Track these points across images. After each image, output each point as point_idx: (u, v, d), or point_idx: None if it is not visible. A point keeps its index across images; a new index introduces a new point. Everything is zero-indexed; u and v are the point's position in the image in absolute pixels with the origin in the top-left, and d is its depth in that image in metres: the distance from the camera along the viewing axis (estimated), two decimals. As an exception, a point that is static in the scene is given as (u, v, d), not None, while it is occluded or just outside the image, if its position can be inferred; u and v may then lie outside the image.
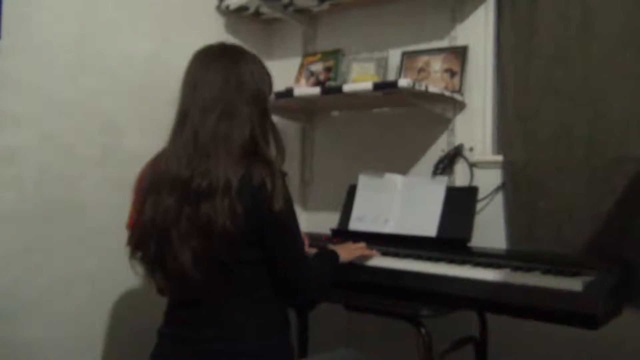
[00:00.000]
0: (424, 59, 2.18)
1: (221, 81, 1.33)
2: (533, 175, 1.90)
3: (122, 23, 2.09)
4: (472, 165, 2.09)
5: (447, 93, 2.03)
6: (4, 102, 1.79)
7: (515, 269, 1.54)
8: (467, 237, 1.90)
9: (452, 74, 2.10)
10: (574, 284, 1.36)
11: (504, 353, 1.95)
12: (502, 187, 2.01)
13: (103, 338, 2.03)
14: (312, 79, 2.41)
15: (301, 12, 2.48)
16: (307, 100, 2.19)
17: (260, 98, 1.38)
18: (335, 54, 2.40)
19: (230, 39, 2.46)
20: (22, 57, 1.83)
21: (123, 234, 1.42)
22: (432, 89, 1.96)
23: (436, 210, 1.97)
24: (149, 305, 1.53)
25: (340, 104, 2.35)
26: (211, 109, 1.31)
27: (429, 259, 1.70)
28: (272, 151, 1.36)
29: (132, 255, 1.36)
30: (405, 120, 2.28)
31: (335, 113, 2.52)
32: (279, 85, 2.22)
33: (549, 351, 1.86)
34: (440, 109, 2.11)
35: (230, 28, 2.51)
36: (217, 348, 1.29)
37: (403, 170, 2.23)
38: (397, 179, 2.12)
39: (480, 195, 2.00)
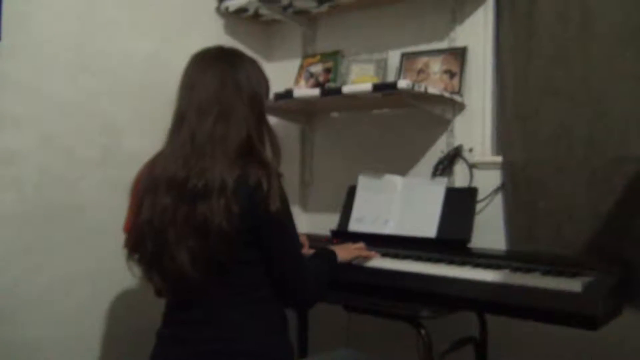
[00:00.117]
0: (423, 60, 2.19)
1: (218, 84, 1.34)
2: (533, 176, 1.90)
3: (122, 23, 2.09)
4: (471, 166, 2.09)
5: (447, 94, 2.03)
6: (3, 103, 1.79)
7: (515, 269, 1.54)
8: (467, 238, 1.90)
9: (452, 75, 2.10)
10: (574, 285, 1.36)
11: (504, 354, 1.95)
12: (502, 187, 2.01)
13: (103, 338, 2.03)
14: (312, 81, 2.41)
15: (300, 13, 2.48)
16: (306, 101, 2.19)
17: (256, 101, 1.39)
18: (334, 56, 2.40)
19: (229, 41, 2.47)
20: (22, 57, 1.83)
21: (122, 235, 1.43)
22: (432, 90, 1.96)
23: (436, 211, 1.97)
24: (148, 305, 1.53)
25: (339, 105, 2.35)
26: (208, 111, 1.32)
27: (429, 259, 1.70)
28: (268, 153, 1.37)
29: (130, 257, 1.36)
30: (405, 121, 2.28)
31: (334, 114, 2.52)
32: (278, 87, 2.23)
33: (549, 352, 1.86)
34: (439, 110, 2.11)
35: (229, 29, 2.51)
36: (216, 348, 1.29)
37: (402, 171, 2.23)
38: (396, 180, 2.12)
39: (480, 196, 2.00)
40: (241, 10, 2.45)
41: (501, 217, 2.01)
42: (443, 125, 2.17)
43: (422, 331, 1.59)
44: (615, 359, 1.75)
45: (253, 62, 1.44)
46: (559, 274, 1.47)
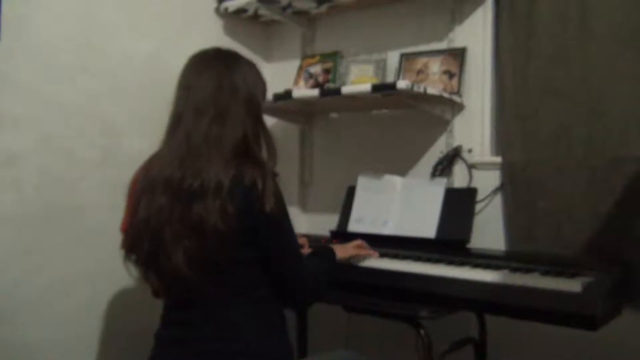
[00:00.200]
0: (422, 60, 2.19)
1: (214, 85, 1.35)
2: (532, 176, 1.90)
3: (122, 24, 2.09)
4: (470, 166, 2.09)
5: (446, 94, 2.03)
6: (3, 104, 1.79)
7: (514, 270, 1.54)
8: (466, 238, 1.90)
9: (451, 75, 2.10)
10: (573, 285, 1.36)
11: (503, 354, 1.95)
12: (501, 188, 2.01)
13: (102, 339, 2.03)
14: (311, 81, 2.41)
15: (300, 14, 2.48)
16: (306, 102, 2.19)
17: (253, 103, 1.39)
18: (333, 56, 2.40)
19: (229, 41, 2.47)
20: (22, 58, 1.83)
21: (122, 236, 1.43)
22: (431, 90, 1.96)
23: (435, 212, 1.98)
24: (148, 306, 1.53)
25: (339, 105, 2.35)
26: (204, 112, 1.32)
27: (428, 260, 1.71)
28: (264, 154, 1.38)
29: (127, 257, 1.37)
30: (404, 122, 2.28)
31: (334, 115, 2.52)
32: (277, 87, 2.23)
33: (548, 352, 1.86)
34: (439, 111, 2.11)
35: (229, 30, 2.51)
36: (216, 348, 1.29)
37: (402, 171, 2.23)
38: (396, 180, 2.12)
39: (479, 196, 2.00)
40: (240, 11, 2.45)
41: (500, 218, 2.01)
42: (442, 125, 2.17)
43: (422, 331, 1.59)
44: (615, 359, 1.75)
45: (250, 64, 1.45)
46: (559, 274, 1.47)
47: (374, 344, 2.25)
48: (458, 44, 2.13)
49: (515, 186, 1.95)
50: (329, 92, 2.06)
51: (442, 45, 2.18)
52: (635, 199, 1.70)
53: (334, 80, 2.35)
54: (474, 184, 2.06)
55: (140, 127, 2.10)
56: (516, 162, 1.95)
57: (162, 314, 1.40)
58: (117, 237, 1.42)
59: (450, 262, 1.65)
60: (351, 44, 2.41)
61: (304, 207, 2.61)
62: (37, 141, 1.86)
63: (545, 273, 1.49)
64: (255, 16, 2.53)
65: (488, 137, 2.09)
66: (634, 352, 1.72)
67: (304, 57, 2.53)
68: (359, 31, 2.42)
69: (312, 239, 1.94)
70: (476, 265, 1.61)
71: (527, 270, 1.52)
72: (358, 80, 2.13)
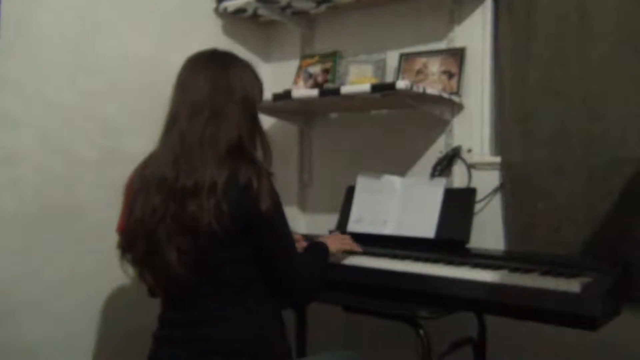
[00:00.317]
0: (422, 60, 2.19)
1: (210, 86, 1.35)
2: (531, 176, 1.91)
3: (121, 24, 2.09)
4: (470, 166, 2.09)
5: (445, 95, 2.03)
6: (2, 103, 1.78)
7: (514, 270, 1.54)
8: (466, 238, 1.90)
9: (450, 75, 2.10)
10: (572, 285, 1.36)
11: (503, 354, 1.95)
12: (500, 188, 2.01)
13: (101, 338, 2.03)
14: (310, 81, 2.41)
15: (299, 14, 2.48)
16: (305, 102, 2.19)
17: (248, 103, 1.39)
18: (333, 56, 2.40)
19: (228, 41, 2.47)
20: (21, 58, 1.83)
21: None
22: (430, 90, 1.96)
23: (434, 212, 1.97)
24: (147, 306, 1.53)
25: (338, 105, 2.35)
26: (199, 112, 1.33)
27: (428, 260, 1.70)
28: (259, 154, 1.38)
29: (123, 257, 1.37)
30: (404, 122, 2.28)
31: (333, 115, 2.52)
32: (277, 87, 2.23)
33: (547, 352, 1.86)
34: (438, 111, 2.11)
35: (228, 30, 2.51)
36: (214, 347, 1.29)
37: (401, 171, 2.23)
38: (395, 180, 2.12)
39: (479, 196, 2.00)
40: (240, 11, 2.45)
41: (500, 218, 2.01)
42: (441, 125, 2.17)
43: (421, 332, 1.59)
44: (614, 359, 1.75)
45: (246, 65, 1.45)
46: (558, 274, 1.47)
47: (373, 344, 2.24)
48: (457, 44, 2.13)
49: (514, 186, 1.95)
50: (328, 92, 2.06)
51: (442, 45, 2.18)
52: (634, 200, 1.70)
53: (333, 80, 2.35)
54: (473, 184, 2.06)
55: (139, 127, 2.10)
56: (515, 162, 1.95)
57: (159, 314, 1.40)
58: (116, 237, 1.43)
59: (449, 262, 1.65)
60: (350, 44, 2.41)
61: (303, 207, 2.61)
62: (36, 141, 1.86)
63: (544, 273, 1.49)
64: (255, 16, 2.52)
65: (487, 137, 2.09)
66: (633, 352, 1.72)
67: (303, 57, 2.53)
68: (358, 31, 2.42)
69: (311, 239, 1.93)
70: (475, 266, 1.61)
71: (527, 271, 1.52)
72: (357, 81, 2.13)
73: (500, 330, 1.91)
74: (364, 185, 2.18)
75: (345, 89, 2.00)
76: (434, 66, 2.15)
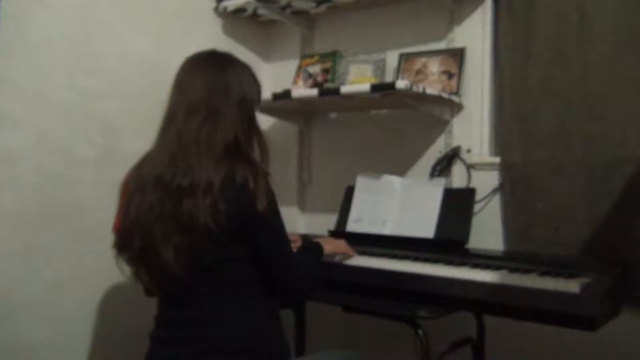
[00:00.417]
0: (421, 60, 2.19)
1: (207, 86, 1.36)
2: (531, 176, 1.90)
3: (120, 24, 2.09)
4: (469, 166, 2.09)
5: (445, 95, 2.03)
6: (1, 103, 1.78)
7: (513, 270, 1.54)
8: (465, 238, 1.90)
9: (450, 75, 2.10)
10: (572, 286, 1.36)
11: (502, 354, 1.95)
12: (500, 188, 2.01)
13: (100, 338, 2.03)
14: (310, 81, 2.41)
15: (299, 14, 2.48)
16: (304, 101, 2.19)
17: (246, 104, 1.40)
18: (332, 56, 2.40)
19: (228, 41, 2.47)
20: (20, 57, 1.82)
21: (120, 236, 1.43)
22: (430, 90, 1.96)
23: (434, 212, 1.97)
24: (147, 306, 1.53)
25: (338, 105, 2.35)
26: (196, 111, 1.33)
27: (427, 260, 1.71)
28: (256, 154, 1.39)
29: (118, 256, 1.37)
30: (403, 122, 2.28)
31: (333, 115, 2.52)
32: (276, 87, 2.24)
33: (547, 352, 1.86)
34: (437, 111, 2.11)
35: (228, 30, 2.51)
36: (211, 347, 1.29)
37: (401, 171, 2.23)
38: (394, 180, 2.12)
39: (478, 196, 2.00)
40: (239, 11, 2.45)
41: (499, 218, 2.01)
42: (441, 125, 2.17)
43: (420, 332, 1.59)
44: (614, 359, 1.75)
45: (244, 66, 1.46)
46: (557, 274, 1.47)
47: (373, 344, 2.24)
48: (457, 44, 2.13)
49: (513, 186, 1.95)
50: (328, 92, 2.06)
51: (441, 45, 2.18)
52: (634, 200, 1.70)
53: (332, 80, 2.35)
54: (472, 184, 2.06)
55: (139, 127, 2.09)
56: (515, 162, 1.95)
57: (156, 314, 1.41)
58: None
59: (448, 262, 1.65)
60: (350, 43, 2.41)
61: (303, 207, 2.61)
62: (35, 140, 1.85)
63: (543, 273, 1.50)
64: (254, 16, 2.52)
65: (487, 138, 2.09)
66: (632, 352, 1.72)
67: (303, 56, 2.53)
68: (358, 31, 2.41)
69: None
70: (475, 266, 1.61)
71: (526, 271, 1.52)
72: (357, 80, 2.13)
73: (500, 330, 1.91)
74: (363, 185, 2.18)
75: (345, 89, 2.00)
76: (434, 66, 2.15)
